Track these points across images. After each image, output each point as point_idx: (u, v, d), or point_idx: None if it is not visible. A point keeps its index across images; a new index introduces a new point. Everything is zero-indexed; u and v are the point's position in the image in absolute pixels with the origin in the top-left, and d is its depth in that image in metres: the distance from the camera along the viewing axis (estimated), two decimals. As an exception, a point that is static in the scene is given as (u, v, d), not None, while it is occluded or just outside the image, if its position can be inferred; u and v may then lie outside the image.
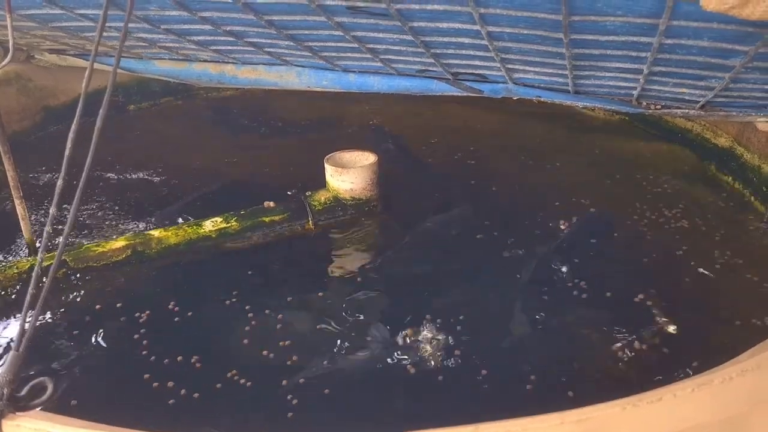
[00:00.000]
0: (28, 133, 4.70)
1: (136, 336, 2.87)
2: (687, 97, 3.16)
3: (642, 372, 2.66)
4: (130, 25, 3.28)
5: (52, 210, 1.63)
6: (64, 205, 3.79)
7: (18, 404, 1.52)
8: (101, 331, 2.90)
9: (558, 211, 3.83)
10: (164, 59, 4.20)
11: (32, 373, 2.46)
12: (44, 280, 2.78)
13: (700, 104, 3.21)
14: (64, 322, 2.94)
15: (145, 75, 4.33)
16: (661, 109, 3.43)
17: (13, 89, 4.59)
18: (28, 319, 1.56)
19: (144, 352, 2.78)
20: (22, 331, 1.54)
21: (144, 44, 3.76)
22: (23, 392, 1.55)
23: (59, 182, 1.63)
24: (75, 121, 1.66)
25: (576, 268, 3.30)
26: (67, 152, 1.66)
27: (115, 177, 4.33)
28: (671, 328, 2.87)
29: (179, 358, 2.73)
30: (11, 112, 4.58)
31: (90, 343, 2.82)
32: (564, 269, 3.29)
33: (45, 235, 1.63)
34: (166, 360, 2.73)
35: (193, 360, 2.73)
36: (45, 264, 3.23)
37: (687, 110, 3.32)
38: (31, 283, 1.56)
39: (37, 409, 1.56)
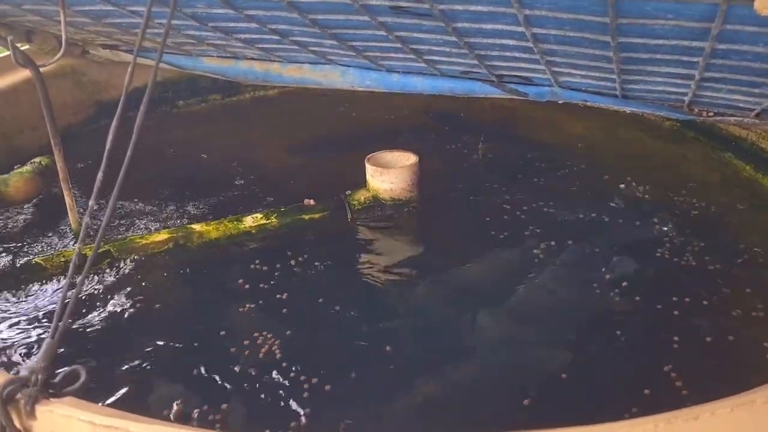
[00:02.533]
0: (81, 125, 4.83)
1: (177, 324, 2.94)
2: (741, 105, 3.05)
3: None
4: (180, 22, 3.35)
5: (91, 202, 1.66)
6: (104, 199, 3.95)
7: (51, 391, 1.55)
8: (141, 321, 2.96)
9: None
10: (212, 56, 4.26)
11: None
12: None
13: (755, 112, 3.09)
14: (102, 312, 3.00)
15: (194, 72, 4.40)
16: (714, 116, 3.32)
17: (69, 83, 4.74)
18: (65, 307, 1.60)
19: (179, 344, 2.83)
20: (58, 319, 1.57)
21: (192, 41, 3.83)
22: (57, 379, 1.58)
23: (99, 175, 1.66)
24: (117, 115, 1.69)
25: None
26: (108, 145, 1.69)
27: (159, 171, 4.42)
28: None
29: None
30: (66, 105, 4.72)
31: (127, 334, 2.88)
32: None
33: (83, 226, 1.66)
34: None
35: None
36: (89, 254, 3.34)
37: (741, 118, 3.19)
38: (69, 273, 1.59)
39: (70, 396, 1.58)
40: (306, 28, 3.07)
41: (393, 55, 3.42)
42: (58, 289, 3.09)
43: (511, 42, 2.75)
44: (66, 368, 1.59)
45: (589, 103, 3.47)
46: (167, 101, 5.42)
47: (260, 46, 3.72)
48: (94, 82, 4.86)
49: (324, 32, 3.06)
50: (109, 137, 1.68)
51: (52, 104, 4.48)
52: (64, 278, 3.16)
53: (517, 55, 2.96)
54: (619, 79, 2.98)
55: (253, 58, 4.17)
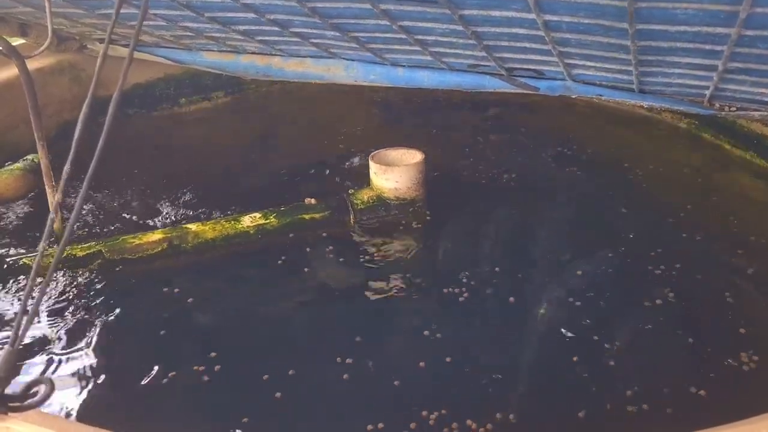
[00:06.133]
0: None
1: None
2: (767, 99, 2.87)
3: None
4: (175, 12, 3.22)
5: (57, 197, 1.52)
6: (107, 192, 3.84)
7: (10, 404, 1.40)
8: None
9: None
10: (212, 51, 4.13)
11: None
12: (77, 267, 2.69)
13: (781, 107, 2.92)
14: (83, 319, 2.87)
15: (193, 66, 4.28)
16: (736, 111, 3.15)
17: (66, 79, 4.61)
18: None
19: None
20: (18, 326, 1.42)
21: (191, 34, 3.69)
22: (18, 391, 1.43)
23: (66, 167, 1.52)
24: (86, 104, 1.55)
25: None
26: (76, 135, 1.55)
27: (160, 168, 4.30)
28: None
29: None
30: (64, 101, 4.60)
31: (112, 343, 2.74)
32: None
33: (48, 222, 1.52)
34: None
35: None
36: (82, 254, 3.22)
37: (766, 113, 3.02)
38: (31, 276, 1.45)
39: (34, 410, 1.44)
40: (306, 18, 2.93)
41: (398, 47, 3.27)
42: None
43: (521, 31, 2.59)
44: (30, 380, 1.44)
45: (604, 98, 3.31)
46: (169, 98, 5.28)
47: (260, 38, 3.58)
48: (93, 78, 4.73)
49: (325, 22, 2.92)
50: (78, 126, 1.54)
51: (48, 100, 4.40)
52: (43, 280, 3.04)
53: (527, 45, 2.80)
54: (637, 71, 2.82)
55: (254, 52, 4.04)
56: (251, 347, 2.73)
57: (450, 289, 3.01)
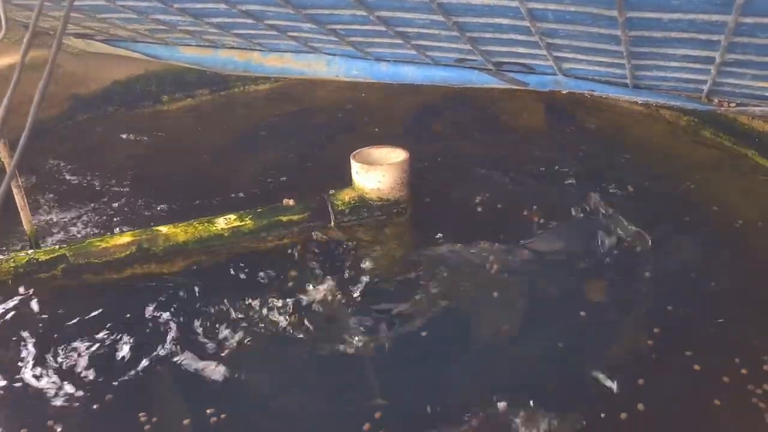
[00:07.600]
0: (55, 121, 4.53)
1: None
2: (768, 93, 2.71)
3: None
4: (144, 4, 3.07)
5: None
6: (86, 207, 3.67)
7: None
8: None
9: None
10: (191, 45, 3.98)
11: None
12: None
13: (783, 102, 2.76)
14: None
15: (170, 62, 4.12)
16: (736, 107, 2.98)
17: (40, 75, 4.43)
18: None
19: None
20: None
21: (164, 27, 3.53)
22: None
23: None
24: (8, 94, 1.40)
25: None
26: (-5, 131, 1.38)
27: (140, 169, 4.14)
28: None
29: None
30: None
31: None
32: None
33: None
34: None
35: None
36: (45, 258, 3.06)
37: (767, 108, 2.86)
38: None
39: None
40: (279, 9, 2.77)
41: (378, 40, 3.11)
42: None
43: (504, 21, 2.43)
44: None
45: (596, 94, 3.14)
46: (150, 96, 5.11)
47: (236, 32, 3.42)
48: (70, 75, 4.56)
49: (299, 13, 2.76)
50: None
51: (23, 97, 4.23)
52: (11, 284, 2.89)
53: (513, 37, 2.64)
54: (629, 64, 2.65)
55: (232, 47, 3.88)
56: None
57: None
